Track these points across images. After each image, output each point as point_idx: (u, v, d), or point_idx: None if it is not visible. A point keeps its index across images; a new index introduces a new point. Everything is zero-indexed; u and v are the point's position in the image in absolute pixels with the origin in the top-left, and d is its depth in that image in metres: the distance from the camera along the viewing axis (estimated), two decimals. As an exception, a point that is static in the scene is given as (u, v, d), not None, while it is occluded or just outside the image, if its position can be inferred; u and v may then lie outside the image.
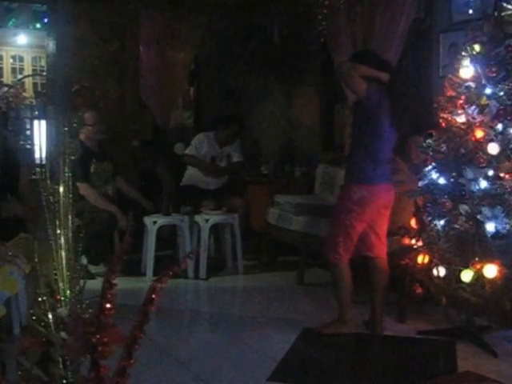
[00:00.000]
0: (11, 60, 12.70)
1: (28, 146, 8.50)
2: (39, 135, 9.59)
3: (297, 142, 8.01)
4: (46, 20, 11.61)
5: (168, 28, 8.48)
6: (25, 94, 11.84)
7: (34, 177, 5.31)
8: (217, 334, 4.91)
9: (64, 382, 1.17)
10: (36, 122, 9.73)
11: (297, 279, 6.35)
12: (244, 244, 6.89)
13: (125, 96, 8.30)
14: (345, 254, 4.77)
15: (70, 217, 1.31)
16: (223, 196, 7.09)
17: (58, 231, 1.28)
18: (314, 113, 7.77)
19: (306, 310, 5.48)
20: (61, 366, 1.20)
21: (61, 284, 1.28)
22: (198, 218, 6.62)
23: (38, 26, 12.00)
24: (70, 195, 1.32)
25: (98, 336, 1.07)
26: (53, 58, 6.54)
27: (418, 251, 4.66)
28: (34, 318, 1.27)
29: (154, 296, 1.13)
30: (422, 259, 4.60)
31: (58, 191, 1.30)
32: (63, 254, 1.29)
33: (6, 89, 8.23)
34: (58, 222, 1.30)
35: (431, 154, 4.65)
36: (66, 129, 1.59)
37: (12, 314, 3.57)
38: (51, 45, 6.68)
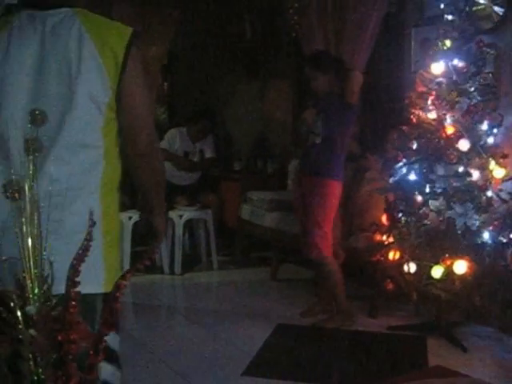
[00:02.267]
0: None
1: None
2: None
3: (269, 137, 8.02)
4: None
5: (140, 22, 8.42)
6: None
7: None
8: (192, 329, 4.93)
9: (35, 378, 1.17)
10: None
11: (270, 275, 6.37)
12: (218, 240, 6.90)
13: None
14: (328, 248, 4.82)
15: (35, 214, 1.30)
16: (197, 192, 7.07)
17: (25, 229, 1.28)
18: (287, 108, 7.77)
19: (280, 306, 5.50)
20: (31, 363, 1.19)
21: (29, 282, 1.27)
22: (171, 213, 6.61)
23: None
24: (36, 192, 1.31)
25: (64, 333, 1.07)
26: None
27: (389, 247, 4.69)
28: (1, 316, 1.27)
29: (118, 294, 1.13)
30: (392, 255, 4.64)
31: (24, 188, 1.30)
32: (30, 252, 1.29)
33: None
34: (24, 220, 1.29)
35: (402, 150, 4.70)
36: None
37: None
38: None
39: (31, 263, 1.30)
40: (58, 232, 1.88)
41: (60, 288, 1.24)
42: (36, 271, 1.30)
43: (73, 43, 2.00)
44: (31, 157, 1.28)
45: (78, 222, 1.91)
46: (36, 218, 1.31)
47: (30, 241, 1.28)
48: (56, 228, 1.77)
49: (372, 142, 5.44)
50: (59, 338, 1.04)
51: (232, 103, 8.29)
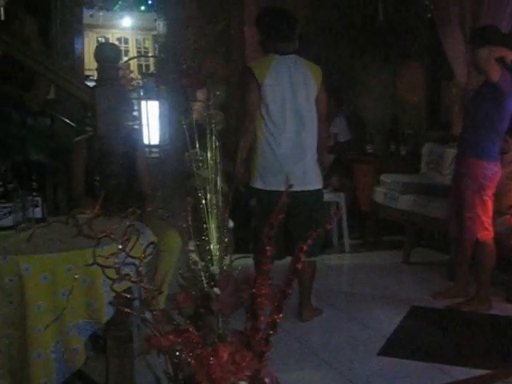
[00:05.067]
0: (116, 42, 13.08)
1: (136, 127, 8.74)
2: (147, 115, 9.86)
3: (402, 120, 7.93)
4: (150, 2, 11.91)
5: (271, 4, 8.50)
6: (131, 76, 12.15)
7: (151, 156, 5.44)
8: (326, 310, 4.97)
9: (220, 333, 1.25)
10: (143, 103, 10.01)
11: (403, 258, 6.33)
12: (349, 223, 6.91)
13: (230, 75, 8.39)
14: (491, 229, 4.78)
15: (218, 182, 1.38)
16: (330, 175, 7.10)
17: (209, 196, 1.36)
18: (420, 90, 7.66)
19: (413, 289, 5.48)
20: (217, 319, 1.28)
21: (212, 245, 1.36)
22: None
23: (143, 8, 12.33)
24: (218, 162, 1.39)
25: (254, 290, 1.14)
26: (163, 39, 6.70)
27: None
28: (185, 276, 1.37)
29: (300, 256, 1.20)
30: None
31: (206, 158, 1.38)
32: (213, 217, 1.37)
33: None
34: (208, 188, 1.38)
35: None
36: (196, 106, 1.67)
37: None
38: (161, 26, 6.84)
39: (214, 227, 1.39)
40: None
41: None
42: (218, 235, 1.39)
43: (304, 72, 4.58)
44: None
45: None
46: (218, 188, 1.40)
47: (213, 208, 1.37)
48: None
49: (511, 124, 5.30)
50: (253, 292, 1.12)
51: (364, 86, 8.25)
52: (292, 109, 4.52)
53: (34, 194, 3.35)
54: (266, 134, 4.50)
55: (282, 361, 3.82)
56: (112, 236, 1.42)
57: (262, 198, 4.50)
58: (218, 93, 1.51)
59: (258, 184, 4.56)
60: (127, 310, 1.42)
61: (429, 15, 6.52)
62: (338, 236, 7.00)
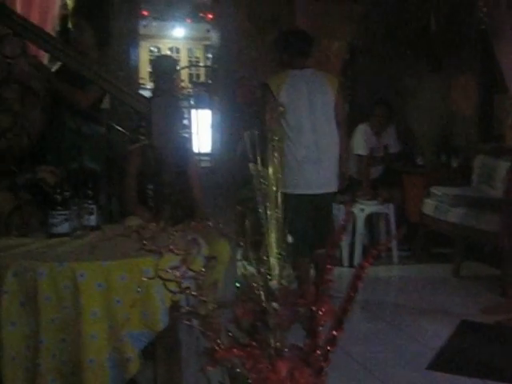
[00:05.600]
0: (168, 51, 13.23)
1: (187, 135, 8.81)
2: (197, 124, 9.93)
3: (453, 132, 7.87)
4: (201, 14, 12.03)
5: (323, 17, 8.55)
6: (182, 84, 12.26)
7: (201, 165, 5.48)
8: (374, 322, 4.96)
9: (276, 345, 1.27)
10: (193, 111, 10.10)
11: (452, 271, 6.27)
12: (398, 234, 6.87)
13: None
14: None
15: (278, 198, 1.41)
16: (379, 186, 7.09)
17: (269, 212, 1.38)
18: (472, 102, 7.59)
19: (463, 303, 5.42)
20: (274, 333, 1.30)
21: (271, 260, 1.38)
22: (353, 206, 6.67)
23: (195, 19, 12.45)
24: (279, 177, 1.42)
25: (314, 307, 1.16)
26: (216, 50, 6.77)
27: None
28: (242, 289, 1.39)
29: (361, 273, 1.21)
30: None
31: (268, 174, 1.40)
32: (273, 232, 1.39)
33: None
34: (268, 204, 1.40)
35: None
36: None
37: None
38: (214, 37, 6.91)
39: (274, 243, 1.41)
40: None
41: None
42: (278, 251, 1.42)
43: (321, 83, 4.96)
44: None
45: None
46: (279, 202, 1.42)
47: (273, 223, 1.39)
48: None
49: None
50: (313, 309, 1.14)
51: (415, 97, 8.21)
52: (309, 117, 4.90)
53: (89, 201, 3.41)
54: (287, 141, 4.82)
55: (330, 373, 3.82)
56: (175, 251, 1.45)
57: (291, 202, 4.58)
58: (281, 108, 1.52)
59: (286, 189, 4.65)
60: (188, 322, 1.44)
61: (483, 27, 6.44)
62: (387, 247, 6.96)
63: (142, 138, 4.84)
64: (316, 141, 4.89)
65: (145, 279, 2.71)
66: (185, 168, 4.50)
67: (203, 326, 1.36)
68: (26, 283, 2.78)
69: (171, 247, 1.46)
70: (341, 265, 6.55)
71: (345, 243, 6.63)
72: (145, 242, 1.75)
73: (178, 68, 10.60)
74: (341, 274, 6.30)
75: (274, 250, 1.40)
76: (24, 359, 2.82)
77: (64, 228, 3.25)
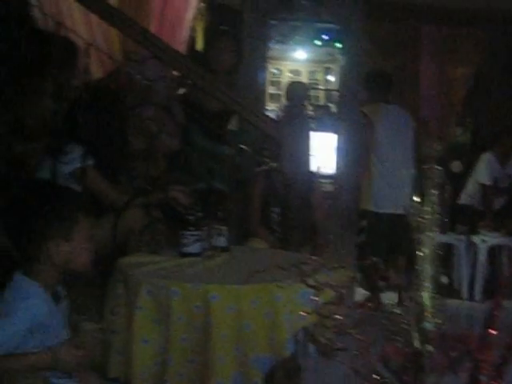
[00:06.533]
0: (289, 74, 13.32)
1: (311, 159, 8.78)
2: (319, 147, 9.96)
3: None
4: (325, 37, 12.03)
5: (448, 43, 8.43)
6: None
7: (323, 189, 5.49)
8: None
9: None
10: (315, 134, 10.08)
11: None
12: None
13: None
14: None
15: (433, 234, 1.38)
16: (503, 217, 6.86)
17: (426, 249, 1.36)
18: None
19: None
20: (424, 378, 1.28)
21: (425, 299, 1.36)
22: (475, 238, 6.49)
23: (317, 42, 12.47)
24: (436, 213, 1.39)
25: (480, 354, 1.12)
26: (344, 74, 6.81)
27: None
28: (387, 327, 1.37)
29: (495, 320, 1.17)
30: None
31: (424, 211, 1.39)
32: (429, 270, 1.37)
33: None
34: (422, 240, 1.38)
35: None
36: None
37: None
38: (343, 61, 6.96)
39: (427, 280, 1.39)
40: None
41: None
42: (432, 289, 1.39)
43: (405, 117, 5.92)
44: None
45: None
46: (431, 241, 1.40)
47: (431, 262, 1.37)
48: None
49: None
50: (475, 357, 1.11)
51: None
52: (396, 146, 5.79)
53: (220, 222, 3.46)
54: (377, 164, 5.76)
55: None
56: (335, 288, 1.44)
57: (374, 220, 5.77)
58: (438, 148, 1.49)
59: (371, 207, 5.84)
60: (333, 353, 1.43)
61: None
62: (510, 282, 6.71)
63: (267, 160, 4.86)
64: (401, 166, 5.76)
65: (274, 303, 2.74)
66: (309, 192, 4.53)
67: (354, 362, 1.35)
68: (160, 301, 2.82)
69: (331, 283, 1.46)
70: (459, 297, 6.37)
71: (465, 274, 6.45)
72: (305, 278, 1.74)
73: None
74: (460, 307, 6.17)
75: (427, 288, 1.38)
76: (152, 376, 2.86)
77: (195, 248, 3.30)
